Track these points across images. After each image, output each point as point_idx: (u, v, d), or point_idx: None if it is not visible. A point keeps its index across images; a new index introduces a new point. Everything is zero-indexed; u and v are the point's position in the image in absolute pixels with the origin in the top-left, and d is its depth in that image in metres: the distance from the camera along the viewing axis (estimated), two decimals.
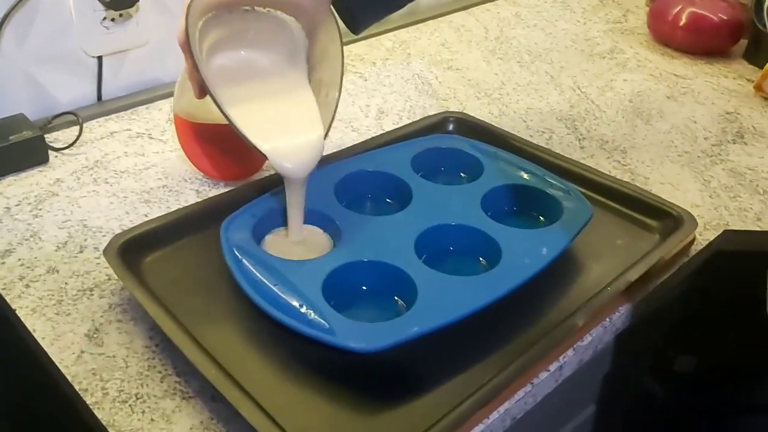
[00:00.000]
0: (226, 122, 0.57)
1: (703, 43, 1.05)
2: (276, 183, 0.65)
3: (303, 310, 0.51)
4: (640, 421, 0.87)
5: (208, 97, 0.57)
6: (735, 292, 0.77)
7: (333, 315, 0.51)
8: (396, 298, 0.56)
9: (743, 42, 1.06)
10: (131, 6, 0.79)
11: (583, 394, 0.73)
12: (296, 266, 0.56)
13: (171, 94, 0.87)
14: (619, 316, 0.60)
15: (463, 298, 0.53)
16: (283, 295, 0.52)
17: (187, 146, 0.71)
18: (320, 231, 0.62)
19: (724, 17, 1.04)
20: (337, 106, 0.60)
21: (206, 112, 0.64)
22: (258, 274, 0.54)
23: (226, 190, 0.69)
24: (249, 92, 0.60)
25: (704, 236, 0.69)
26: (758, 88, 0.95)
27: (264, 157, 0.58)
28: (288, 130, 0.60)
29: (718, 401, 0.88)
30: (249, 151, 0.58)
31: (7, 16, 0.74)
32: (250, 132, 0.57)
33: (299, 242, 0.60)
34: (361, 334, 0.50)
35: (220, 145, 0.69)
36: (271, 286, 0.53)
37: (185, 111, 0.68)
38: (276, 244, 0.60)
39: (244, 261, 0.55)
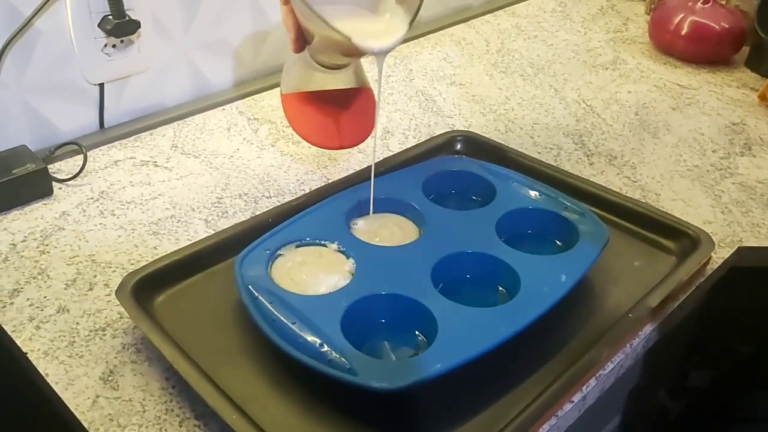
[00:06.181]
0: (330, 88, 0.67)
1: (706, 52, 1.04)
2: (286, 215, 0.64)
3: (323, 349, 0.50)
4: None
5: (309, 70, 0.65)
6: (749, 306, 0.77)
7: (353, 353, 0.50)
8: (416, 331, 0.55)
9: (745, 49, 1.06)
10: (133, 33, 0.78)
11: (608, 411, 0.72)
12: (314, 302, 0.55)
13: (173, 119, 0.87)
14: (640, 340, 0.59)
15: (484, 331, 0.52)
16: (302, 333, 0.51)
17: (295, 122, 0.72)
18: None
19: (726, 25, 1.03)
20: None
21: (310, 82, 0.69)
22: (275, 312, 0.53)
23: (236, 222, 0.68)
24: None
25: (719, 254, 0.68)
26: (763, 98, 0.94)
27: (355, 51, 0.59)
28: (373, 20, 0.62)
29: (732, 414, 0.87)
30: (354, 115, 0.70)
31: (6, 45, 0.73)
32: (337, 23, 0.56)
33: None
34: (382, 373, 0.49)
35: (326, 113, 0.72)
36: (289, 324, 0.52)
37: (292, 87, 0.70)
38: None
39: (260, 298, 0.54)
